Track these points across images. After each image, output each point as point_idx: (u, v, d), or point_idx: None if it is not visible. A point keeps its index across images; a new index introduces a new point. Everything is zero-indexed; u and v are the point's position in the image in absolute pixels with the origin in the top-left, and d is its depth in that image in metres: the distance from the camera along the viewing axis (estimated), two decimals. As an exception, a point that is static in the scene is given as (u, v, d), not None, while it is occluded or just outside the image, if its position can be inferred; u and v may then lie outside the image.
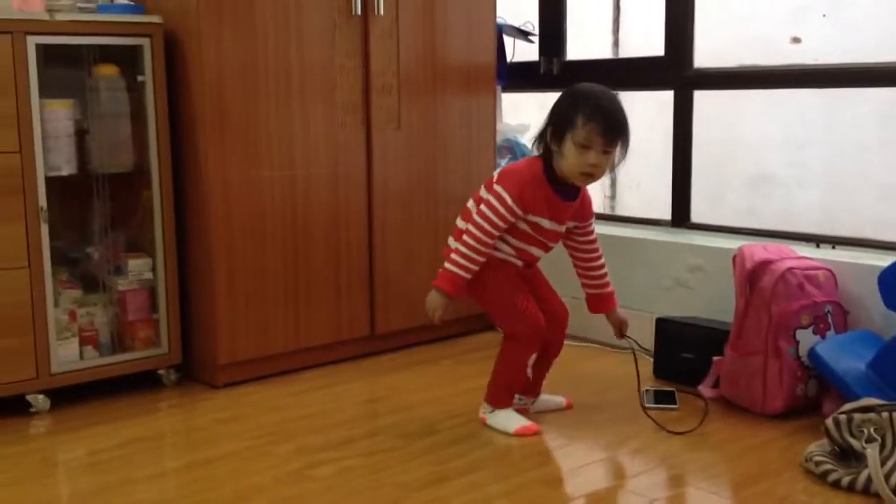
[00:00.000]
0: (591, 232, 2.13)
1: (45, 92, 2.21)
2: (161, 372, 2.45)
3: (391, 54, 2.64)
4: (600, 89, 1.98)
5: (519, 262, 2.09)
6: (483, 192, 2.05)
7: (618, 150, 1.96)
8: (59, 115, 2.27)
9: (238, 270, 2.40)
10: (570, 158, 1.94)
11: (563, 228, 2.06)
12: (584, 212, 2.08)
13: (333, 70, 2.53)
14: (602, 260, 2.15)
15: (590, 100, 1.94)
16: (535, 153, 2.06)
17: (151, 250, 2.43)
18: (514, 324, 2.05)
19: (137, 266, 2.43)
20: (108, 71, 2.35)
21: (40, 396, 2.25)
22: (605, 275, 2.15)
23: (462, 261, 1.98)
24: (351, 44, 2.56)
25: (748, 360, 2.13)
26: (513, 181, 1.98)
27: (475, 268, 1.99)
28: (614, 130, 1.93)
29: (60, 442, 2.11)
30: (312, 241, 2.54)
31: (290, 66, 2.44)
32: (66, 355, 2.29)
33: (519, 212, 1.98)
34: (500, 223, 1.98)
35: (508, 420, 2.07)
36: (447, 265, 2.00)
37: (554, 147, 1.98)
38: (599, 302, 2.17)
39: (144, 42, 2.33)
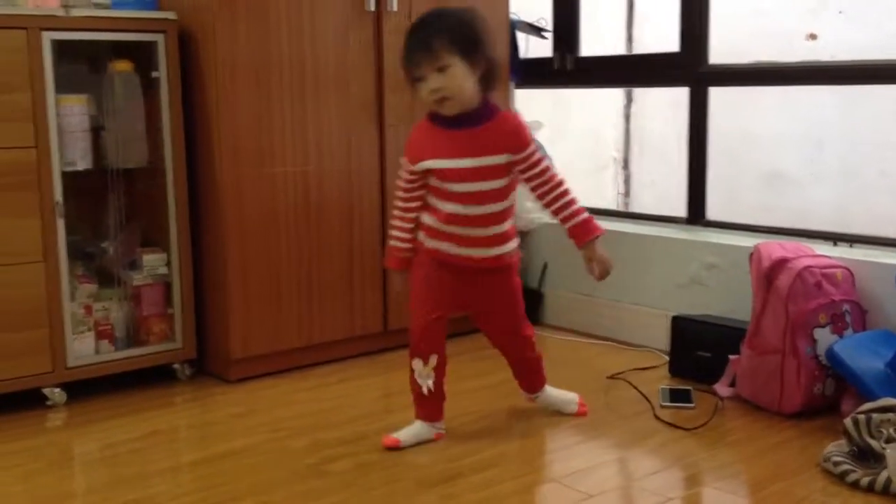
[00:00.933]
0: (537, 163, 1.88)
1: (60, 87, 2.21)
2: (176, 366, 2.45)
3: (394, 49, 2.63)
4: (421, 16, 1.86)
5: (451, 245, 1.90)
6: None
7: (458, 58, 1.78)
8: (74, 111, 2.28)
9: (252, 266, 2.40)
10: (420, 96, 1.84)
11: (475, 162, 1.83)
12: (515, 142, 1.86)
13: (347, 66, 2.52)
14: (563, 187, 1.91)
15: (406, 36, 1.84)
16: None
17: (166, 245, 2.43)
18: (410, 318, 1.97)
19: (152, 261, 2.44)
20: (122, 67, 2.35)
21: (56, 390, 2.26)
22: (572, 202, 1.91)
23: (392, 231, 1.99)
24: (364, 40, 2.55)
25: (765, 359, 2.12)
26: (406, 143, 1.96)
27: (404, 235, 1.96)
28: (425, 47, 1.77)
29: (76, 435, 2.11)
30: (325, 237, 2.53)
31: (303, 61, 2.44)
32: (82, 349, 2.30)
33: (411, 166, 1.90)
34: (404, 184, 1.93)
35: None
36: None
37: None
38: (581, 231, 1.90)
39: (159, 38, 2.33)
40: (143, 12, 2.36)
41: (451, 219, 1.89)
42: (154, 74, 2.35)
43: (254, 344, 2.43)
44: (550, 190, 1.91)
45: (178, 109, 2.38)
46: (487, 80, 1.84)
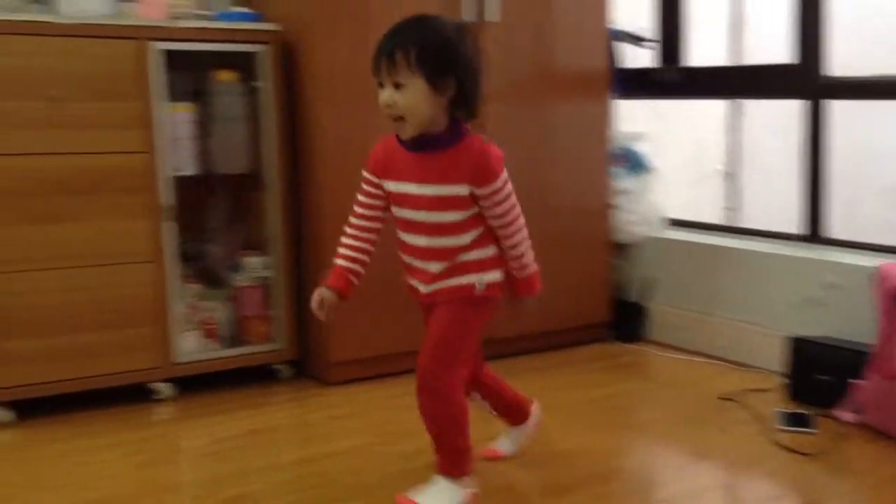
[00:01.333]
0: (498, 204, 1.63)
1: (168, 95, 2.26)
2: (276, 367, 2.47)
3: (501, 61, 2.60)
4: (404, 19, 1.62)
5: (415, 279, 1.71)
6: None
7: (420, 78, 1.55)
8: (182, 118, 2.34)
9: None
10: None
11: (433, 191, 1.61)
12: (478, 174, 1.60)
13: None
14: (516, 238, 1.67)
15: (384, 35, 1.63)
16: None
17: (267, 249, 2.46)
18: None
19: (252, 264, 2.47)
20: (227, 76, 2.40)
21: (165, 384, 2.31)
22: (518, 256, 1.69)
23: (338, 248, 1.74)
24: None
25: (895, 385, 1.97)
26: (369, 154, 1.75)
27: (348, 253, 1.72)
28: (388, 57, 1.56)
29: (181, 429, 2.15)
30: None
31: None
32: (188, 347, 2.34)
33: (373, 178, 1.69)
34: (361, 197, 1.72)
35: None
36: None
37: None
38: (525, 285, 1.72)
39: (262, 49, 2.37)
40: (247, 24, 2.40)
41: (407, 249, 1.69)
42: (256, 84, 2.39)
43: (352, 348, 2.42)
44: (507, 237, 1.67)
45: (280, 118, 2.41)
46: (459, 105, 1.60)
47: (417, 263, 1.68)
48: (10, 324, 2.12)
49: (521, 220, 1.69)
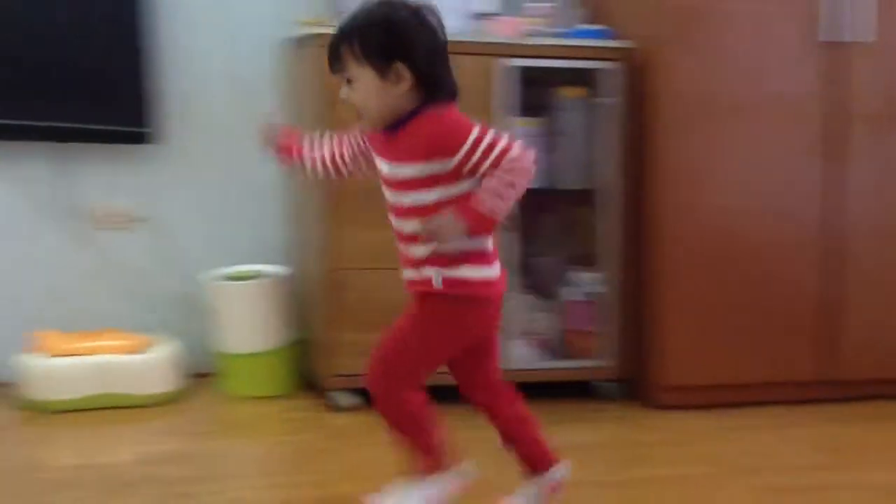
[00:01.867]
0: (482, 159, 1.41)
1: (516, 110, 2.36)
2: (599, 384, 2.49)
3: (874, 82, 2.41)
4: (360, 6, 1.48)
5: (407, 268, 1.54)
6: None
7: (368, 69, 1.42)
8: (529, 133, 2.42)
9: (687, 295, 2.37)
10: None
11: (392, 170, 1.48)
12: (440, 145, 1.42)
13: (798, 99, 2.38)
14: (505, 178, 1.41)
15: None
16: None
17: (598, 265, 2.48)
18: None
19: (584, 279, 2.50)
20: (575, 93, 2.45)
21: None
22: (493, 188, 1.41)
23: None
24: (819, 71, 2.38)
25: None
26: None
27: (317, 140, 1.64)
28: (333, 52, 1.45)
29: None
30: (765, 274, 2.41)
31: (753, 94, 2.36)
32: (519, 355, 2.43)
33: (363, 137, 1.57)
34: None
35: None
36: None
37: None
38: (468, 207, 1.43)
39: (610, 66, 2.39)
40: (597, 41, 2.43)
41: (398, 236, 1.54)
42: (603, 101, 2.41)
43: (685, 374, 2.38)
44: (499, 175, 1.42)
45: (624, 136, 2.42)
46: (424, 91, 1.45)
47: (399, 246, 1.54)
48: (360, 317, 2.25)
49: (521, 178, 1.42)
